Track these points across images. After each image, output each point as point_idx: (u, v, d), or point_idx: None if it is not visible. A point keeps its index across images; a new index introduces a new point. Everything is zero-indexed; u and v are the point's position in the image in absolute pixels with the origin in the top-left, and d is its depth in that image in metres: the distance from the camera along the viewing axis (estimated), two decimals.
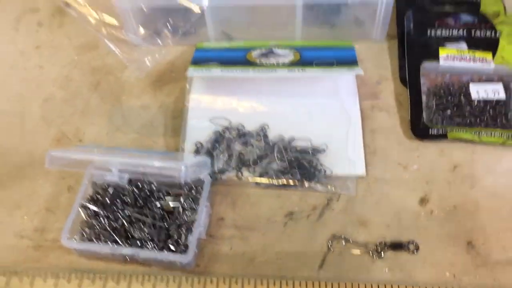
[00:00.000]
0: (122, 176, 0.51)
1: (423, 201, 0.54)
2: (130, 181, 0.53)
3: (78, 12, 0.63)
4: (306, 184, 0.55)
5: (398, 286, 0.48)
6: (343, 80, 0.61)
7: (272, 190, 0.55)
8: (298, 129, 0.58)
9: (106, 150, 0.58)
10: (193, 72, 0.60)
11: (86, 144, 0.61)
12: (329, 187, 0.55)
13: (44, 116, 0.64)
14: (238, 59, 0.63)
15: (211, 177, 0.54)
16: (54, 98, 0.65)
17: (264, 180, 0.55)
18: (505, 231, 0.51)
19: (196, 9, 0.62)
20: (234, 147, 0.57)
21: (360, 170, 0.55)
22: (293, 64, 0.61)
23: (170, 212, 0.52)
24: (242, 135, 0.58)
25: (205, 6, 0.63)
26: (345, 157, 0.56)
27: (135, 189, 0.53)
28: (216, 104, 0.61)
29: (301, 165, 0.55)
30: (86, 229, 0.51)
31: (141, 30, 0.65)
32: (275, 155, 0.56)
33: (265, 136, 0.58)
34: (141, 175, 0.53)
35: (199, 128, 0.59)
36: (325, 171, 0.55)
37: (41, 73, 0.68)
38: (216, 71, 0.60)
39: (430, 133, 0.57)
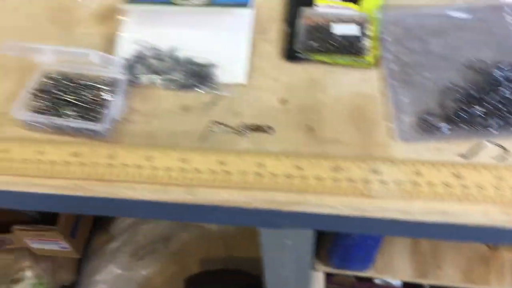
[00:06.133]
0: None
1: (283, 101, 0.73)
2: (69, 78, 0.73)
3: None
4: (200, 88, 0.74)
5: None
6: (240, 18, 0.80)
7: (174, 92, 0.75)
8: (201, 51, 0.77)
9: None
10: (125, 5, 0.80)
11: None
12: (217, 90, 0.74)
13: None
14: (164, 0, 0.82)
15: (130, 81, 0.74)
16: (20, 27, 0.85)
17: (169, 84, 0.75)
18: (337, 121, 0.70)
19: None
20: (150, 61, 0.77)
21: (242, 79, 0.75)
22: (204, 5, 0.80)
23: (96, 100, 0.71)
24: (157, 53, 0.77)
25: None
26: (232, 70, 0.76)
27: (71, 83, 0.72)
28: (141, 31, 0.80)
29: (197, 74, 0.75)
30: (33, 109, 0.70)
31: None
32: (180, 67, 0.75)
33: (174, 54, 0.77)
34: (77, 75, 0.73)
35: (125, 47, 0.79)
36: (214, 79, 0.74)
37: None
38: (143, 6, 0.79)
39: (298, 56, 0.76)
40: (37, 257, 1.58)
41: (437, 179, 0.63)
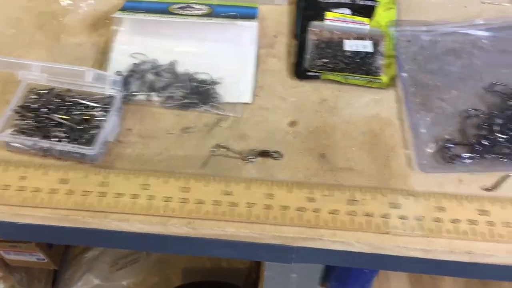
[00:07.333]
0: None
1: (292, 123, 0.67)
2: (57, 94, 0.66)
3: None
4: (202, 107, 0.68)
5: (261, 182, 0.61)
6: (246, 31, 0.74)
7: (174, 110, 0.69)
8: (202, 66, 0.71)
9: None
10: (119, 14, 0.73)
11: None
12: (220, 110, 0.68)
13: None
14: (160, 10, 0.75)
15: (125, 98, 0.68)
16: (4, 34, 0.78)
17: (168, 102, 0.68)
18: (350, 147, 0.64)
19: None
20: (147, 76, 0.70)
21: (247, 98, 0.69)
22: (204, 15, 0.74)
23: (87, 119, 0.64)
24: (155, 67, 0.71)
25: None
26: (237, 88, 0.70)
27: (60, 100, 0.65)
28: (136, 43, 0.74)
29: (199, 92, 0.69)
30: (15, 128, 0.63)
31: None
32: (179, 84, 0.69)
33: (173, 69, 0.71)
34: (66, 91, 0.66)
35: (120, 61, 0.72)
36: (217, 98, 0.68)
37: None
38: (138, 15, 0.73)
39: (307, 74, 0.71)
40: (10, 267, 1.50)
41: (461, 215, 0.58)
